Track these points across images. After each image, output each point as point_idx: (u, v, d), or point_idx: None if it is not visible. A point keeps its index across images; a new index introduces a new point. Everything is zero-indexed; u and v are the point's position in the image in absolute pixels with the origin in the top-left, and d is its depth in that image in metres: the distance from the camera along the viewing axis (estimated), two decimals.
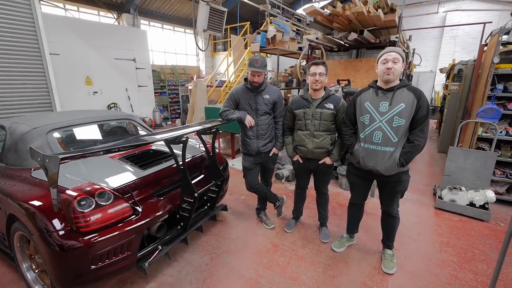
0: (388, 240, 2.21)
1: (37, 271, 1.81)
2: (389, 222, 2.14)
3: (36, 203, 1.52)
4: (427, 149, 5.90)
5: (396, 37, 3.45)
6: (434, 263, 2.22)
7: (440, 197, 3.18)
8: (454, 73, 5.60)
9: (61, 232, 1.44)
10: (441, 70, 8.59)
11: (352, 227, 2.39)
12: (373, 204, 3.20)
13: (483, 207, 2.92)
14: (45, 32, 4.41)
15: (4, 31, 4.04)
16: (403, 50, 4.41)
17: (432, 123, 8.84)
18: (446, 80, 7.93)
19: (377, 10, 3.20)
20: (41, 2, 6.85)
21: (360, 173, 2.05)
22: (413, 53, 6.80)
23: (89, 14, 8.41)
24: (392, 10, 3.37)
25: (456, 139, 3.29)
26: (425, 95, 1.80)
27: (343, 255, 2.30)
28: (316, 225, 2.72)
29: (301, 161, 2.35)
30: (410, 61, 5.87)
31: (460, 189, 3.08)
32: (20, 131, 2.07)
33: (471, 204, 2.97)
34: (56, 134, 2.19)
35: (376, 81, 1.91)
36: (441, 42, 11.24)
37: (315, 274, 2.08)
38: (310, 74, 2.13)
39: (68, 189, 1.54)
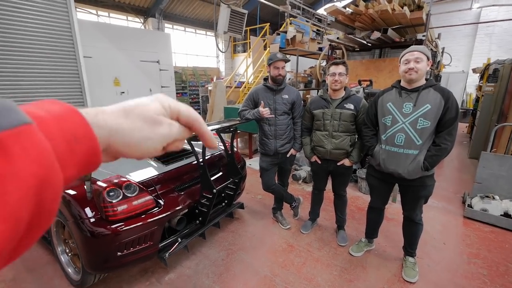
0: (410, 248, 2.12)
1: (70, 254, 1.97)
2: (412, 229, 2.05)
3: (72, 192, 1.66)
4: (457, 154, 5.54)
5: (423, 36, 3.30)
6: (461, 274, 2.09)
7: (470, 206, 2.98)
8: (489, 73, 5.22)
9: (92, 220, 1.57)
10: (474, 70, 8.04)
11: (371, 232, 2.32)
12: (394, 209, 3.08)
13: None
14: (80, 36, 4.77)
15: (44, 36, 4.42)
16: (431, 49, 4.20)
17: (463, 127, 8.29)
18: (479, 81, 7.40)
19: (402, 8, 3.09)
20: (77, 9, 7.41)
21: (381, 175, 1.99)
22: (442, 52, 6.43)
23: (119, 19, 8.94)
24: (419, 7, 3.23)
25: (490, 144, 3.08)
26: (455, 96, 1.71)
27: (360, 260, 2.25)
28: (333, 228, 2.68)
29: (319, 162, 2.33)
30: (439, 61, 5.56)
31: (493, 198, 2.87)
32: None
33: (506, 215, 2.75)
34: None
35: (400, 81, 1.85)
36: (475, 40, 10.50)
37: (331, 277, 2.05)
38: (329, 74, 2.11)
39: (98, 180, 1.67)
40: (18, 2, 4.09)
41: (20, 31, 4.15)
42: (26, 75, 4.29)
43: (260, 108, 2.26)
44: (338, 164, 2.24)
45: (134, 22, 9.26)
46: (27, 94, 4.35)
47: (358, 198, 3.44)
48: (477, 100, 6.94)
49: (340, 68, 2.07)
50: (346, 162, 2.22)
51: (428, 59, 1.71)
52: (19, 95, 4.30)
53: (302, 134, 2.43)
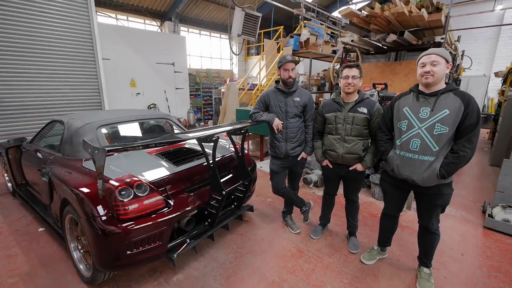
0: (425, 258, 2.03)
1: (82, 251, 2.02)
2: (427, 238, 1.96)
3: (85, 190, 1.71)
4: (477, 162, 5.29)
5: (442, 38, 3.18)
6: None
7: (491, 216, 2.82)
8: None
9: (104, 218, 1.60)
10: (497, 74, 7.67)
11: (384, 240, 2.24)
12: (408, 217, 2.96)
13: None
14: (100, 39, 4.95)
15: (66, 39, 4.62)
16: (450, 52, 4.05)
17: (484, 132, 7.91)
18: (502, 85, 7.06)
19: (420, 10, 3.00)
20: (97, 13, 7.72)
21: (395, 182, 1.92)
22: (462, 55, 6.18)
23: (137, 23, 9.23)
24: (438, 9, 3.12)
25: None
26: (476, 101, 1.62)
27: (372, 268, 2.17)
28: (344, 234, 2.61)
29: (330, 166, 2.28)
30: (458, 64, 5.34)
31: None
32: (76, 126, 2.34)
33: None
34: (104, 130, 2.44)
35: (418, 85, 1.78)
36: (497, 43, 10.05)
37: (341, 285, 1.99)
38: (342, 77, 2.07)
39: (111, 179, 1.70)
40: (42, 7, 4.31)
41: (43, 33, 4.37)
42: (48, 76, 4.50)
43: (278, 120, 2.30)
44: (350, 169, 2.19)
45: (151, 26, 9.53)
46: (48, 94, 4.56)
47: (371, 204, 3.34)
48: (499, 105, 6.62)
49: (354, 71, 2.03)
50: (359, 167, 2.16)
51: (447, 61, 1.64)
52: (41, 95, 4.51)
53: (313, 137, 2.40)
